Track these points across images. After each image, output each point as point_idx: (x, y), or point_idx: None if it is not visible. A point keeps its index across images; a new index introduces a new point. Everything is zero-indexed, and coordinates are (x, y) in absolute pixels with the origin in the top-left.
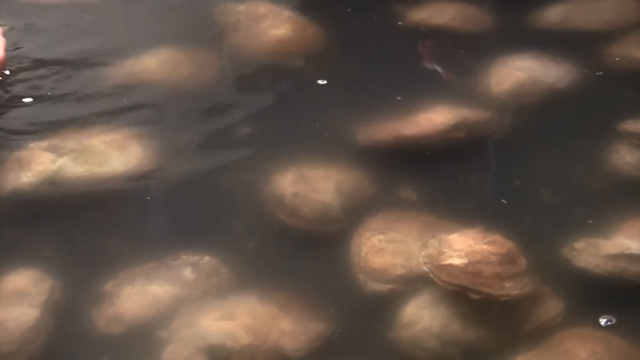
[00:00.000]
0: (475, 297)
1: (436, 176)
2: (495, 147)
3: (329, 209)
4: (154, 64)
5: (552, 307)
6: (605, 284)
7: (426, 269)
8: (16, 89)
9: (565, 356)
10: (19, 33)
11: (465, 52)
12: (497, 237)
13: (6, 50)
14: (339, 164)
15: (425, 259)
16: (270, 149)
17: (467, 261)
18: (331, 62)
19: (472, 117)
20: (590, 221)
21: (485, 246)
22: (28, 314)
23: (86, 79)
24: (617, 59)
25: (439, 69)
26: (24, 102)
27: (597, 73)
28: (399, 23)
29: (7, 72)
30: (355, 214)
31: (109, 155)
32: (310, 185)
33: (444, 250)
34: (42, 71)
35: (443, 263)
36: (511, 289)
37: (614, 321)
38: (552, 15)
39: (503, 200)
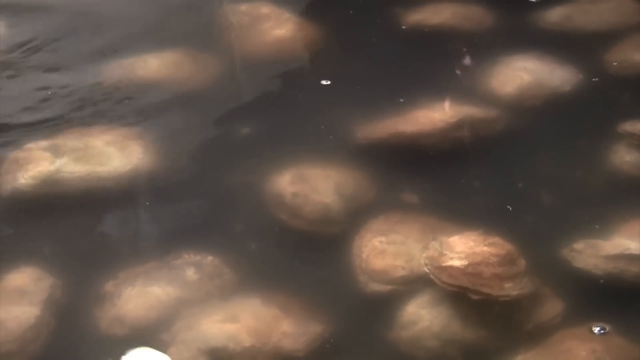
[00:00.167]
0: (475, 297)
1: (437, 178)
2: (497, 148)
3: (330, 210)
4: (155, 65)
5: (552, 307)
6: (605, 285)
7: (427, 270)
8: (15, 89)
9: (565, 356)
10: (21, 32)
11: (467, 51)
12: (497, 239)
13: None
14: (340, 164)
15: (426, 261)
16: (272, 149)
17: (467, 262)
18: (333, 63)
19: (474, 115)
20: (597, 226)
21: (485, 248)
22: (28, 313)
23: (87, 79)
24: (617, 60)
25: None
26: (22, 100)
27: (598, 75)
28: (400, 24)
29: None
30: (356, 215)
31: (109, 155)
32: (311, 185)
33: (445, 252)
34: (41, 70)
35: (444, 264)
36: (511, 289)
37: (607, 329)
38: (554, 16)
39: (508, 207)
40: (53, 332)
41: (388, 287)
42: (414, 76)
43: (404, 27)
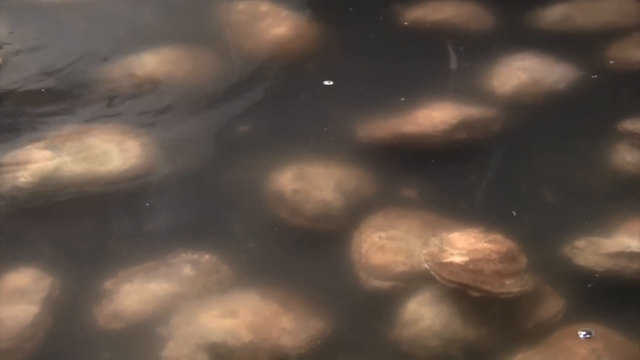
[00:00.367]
0: (476, 294)
1: (438, 175)
2: (497, 146)
3: (330, 206)
4: (154, 63)
5: (553, 305)
6: (605, 282)
7: (427, 267)
8: (15, 88)
9: (565, 354)
10: (19, 32)
11: (466, 50)
12: (498, 236)
13: None
14: (340, 162)
15: (427, 257)
16: (272, 147)
17: (468, 259)
18: (332, 61)
19: (474, 115)
20: (598, 229)
21: (486, 244)
22: (27, 311)
23: (86, 77)
24: (617, 59)
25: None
26: (23, 101)
27: (598, 73)
28: (401, 22)
29: None
30: (356, 211)
31: (108, 153)
32: (311, 182)
33: (446, 248)
34: (41, 70)
35: (444, 261)
36: (511, 286)
37: (593, 334)
38: (553, 15)
39: (513, 212)
40: (51, 330)
41: (388, 284)
42: (413, 74)
43: (406, 23)
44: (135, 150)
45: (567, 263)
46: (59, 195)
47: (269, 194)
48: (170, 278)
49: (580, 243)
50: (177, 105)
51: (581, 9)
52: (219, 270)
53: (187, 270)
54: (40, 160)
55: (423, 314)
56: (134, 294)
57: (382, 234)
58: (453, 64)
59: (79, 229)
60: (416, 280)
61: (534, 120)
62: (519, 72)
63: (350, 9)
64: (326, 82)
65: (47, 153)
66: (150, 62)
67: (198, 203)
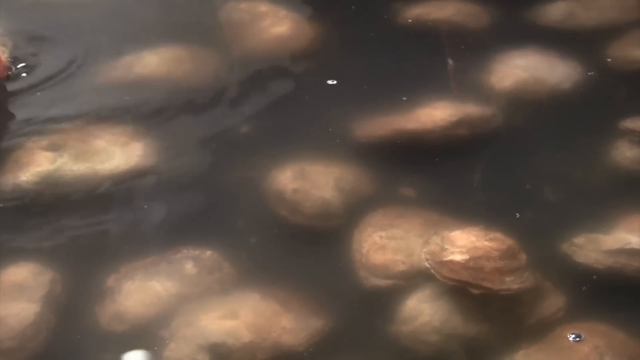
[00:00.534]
0: (476, 292)
1: (438, 173)
2: (497, 144)
3: (330, 205)
4: (155, 62)
5: (554, 301)
6: (606, 279)
7: (427, 265)
8: (16, 88)
9: (567, 351)
10: (20, 33)
11: (467, 48)
12: (498, 234)
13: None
14: (339, 160)
15: (427, 255)
16: (272, 146)
17: (468, 257)
18: (332, 60)
19: (474, 113)
20: (598, 223)
21: (487, 242)
22: (28, 310)
23: (86, 76)
24: (617, 57)
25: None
26: (23, 100)
27: (598, 71)
28: (401, 20)
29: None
30: (356, 210)
31: (109, 152)
32: (311, 181)
33: (446, 246)
34: (41, 69)
35: (445, 259)
36: (512, 283)
37: (582, 337)
38: (554, 12)
39: (517, 214)
40: (53, 329)
41: (388, 282)
42: (414, 73)
43: (410, 20)
44: (136, 149)
45: (567, 260)
46: (60, 193)
47: (270, 192)
48: (172, 276)
49: (580, 240)
50: (177, 104)
51: (582, 6)
52: (221, 268)
53: (189, 267)
54: (41, 159)
55: (422, 310)
56: (136, 293)
57: (383, 233)
58: (454, 61)
59: (79, 225)
60: (416, 278)
61: (534, 118)
62: (519, 70)
63: (353, 7)
64: (326, 80)
65: (48, 152)
66: (152, 61)
67: (199, 201)
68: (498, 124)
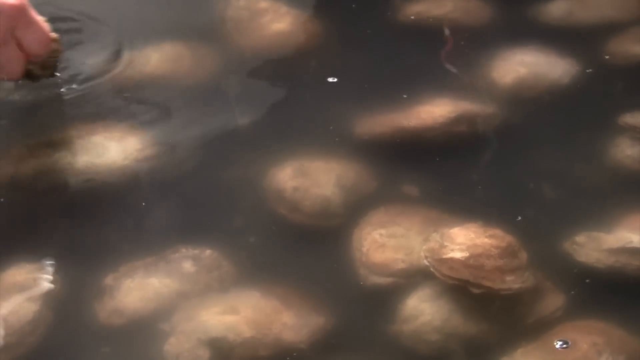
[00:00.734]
0: (477, 291)
1: (438, 170)
2: (497, 141)
3: (330, 203)
4: (154, 58)
5: (553, 300)
6: (606, 278)
7: (427, 263)
8: (14, 83)
9: (566, 349)
10: None
11: (467, 45)
12: (498, 231)
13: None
14: (340, 158)
15: (427, 253)
16: (272, 143)
17: (468, 255)
18: (333, 56)
19: (475, 110)
20: (587, 217)
21: (486, 239)
22: (26, 307)
23: (85, 73)
24: (617, 53)
25: (450, 63)
26: (23, 96)
27: (598, 68)
28: (402, 17)
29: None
30: (356, 208)
31: (108, 149)
32: (311, 179)
33: (446, 244)
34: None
35: (444, 257)
36: (512, 282)
37: (569, 343)
38: (555, 9)
39: (519, 217)
40: (51, 325)
41: (388, 280)
42: (415, 70)
43: (412, 17)
44: (136, 146)
45: (567, 259)
46: (59, 191)
47: (269, 190)
48: (170, 274)
49: (581, 238)
50: (177, 101)
51: (582, 3)
52: (220, 267)
53: (188, 266)
54: (39, 156)
55: (423, 309)
56: (135, 290)
57: (383, 231)
58: (454, 58)
59: (78, 223)
60: (416, 276)
61: (534, 114)
62: (520, 66)
63: (354, 4)
64: (327, 77)
65: (47, 149)
66: (152, 58)
67: (198, 199)
68: (499, 120)
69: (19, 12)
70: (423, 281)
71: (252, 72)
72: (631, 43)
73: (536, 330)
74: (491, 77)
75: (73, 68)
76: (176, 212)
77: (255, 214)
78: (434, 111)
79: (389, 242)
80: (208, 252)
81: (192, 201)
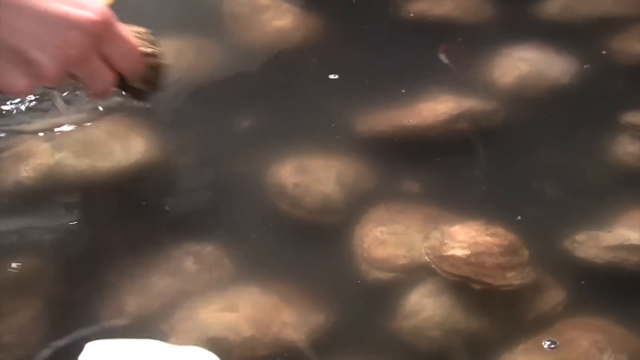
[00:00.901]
0: (477, 287)
1: (439, 168)
2: (498, 139)
3: (331, 199)
4: None
5: (554, 296)
6: (606, 275)
7: (428, 260)
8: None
9: (567, 346)
10: None
11: (468, 43)
12: (500, 229)
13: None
14: (341, 155)
15: (428, 250)
16: (273, 140)
17: (469, 252)
18: (334, 53)
19: (475, 107)
20: (588, 215)
21: (487, 238)
22: (28, 305)
23: None
24: (619, 51)
25: (449, 61)
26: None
27: (600, 65)
28: (403, 14)
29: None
30: (357, 205)
31: (110, 147)
32: (312, 175)
33: (447, 241)
34: None
35: (445, 254)
36: (513, 279)
37: (557, 344)
38: (555, 6)
39: (518, 217)
40: (53, 324)
41: (390, 275)
42: (416, 67)
43: (412, 14)
44: (137, 143)
45: (567, 255)
46: (60, 189)
47: (270, 186)
48: (172, 271)
49: (581, 236)
50: (179, 97)
51: (583, 0)
52: (221, 263)
53: (189, 263)
54: (41, 154)
55: (424, 306)
56: (137, 288)
57: (384, 228)
58: (455, 56)
59: (80, 221)
60: (417, 272)
61: (536, 112)
62: (521, 64)
63: (354, 1)
64: (328, 74)
65: (48, 148)
66: None
67: (199, 195)
68: (500, 118)
69: (102, 28)
70: (424, 277)
71: (253, 69)
72: (633, 41)
73: (537, 326)
74: (492, 75)
75: None
76: (178, 209)
77: (256, 210)
78: (436, 108)
79: (390, 238)
80: (209, 248)
81: (193, 197)
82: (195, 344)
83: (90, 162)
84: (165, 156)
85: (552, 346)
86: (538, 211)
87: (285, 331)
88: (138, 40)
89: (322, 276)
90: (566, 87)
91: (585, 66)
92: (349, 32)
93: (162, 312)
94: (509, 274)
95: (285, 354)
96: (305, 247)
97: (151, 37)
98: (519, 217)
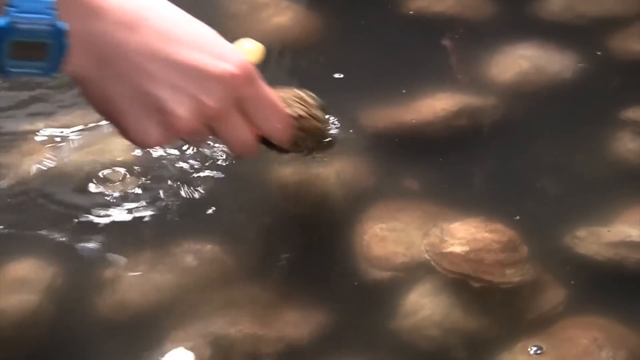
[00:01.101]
0: (477, 285)
1: (438, 165)
2: (498, 136)
3: (331, 197)
4: None
5: (554, 294)
6: (606, 272)
7: (427, 257)
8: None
9: (567, 344)
10: None
11: (468, 40)
12: (499, 226)
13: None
14: (341, 153)
15: (427, 247)
16: None
17: (468, 248)
18: (334, 51)
19: (475, 104)
20: (588, 212)
21: (487, 234)
22: (28, 301)
23: None
24: (619, 48)
25: (449, 58)
26: (24, 94)
27: (600, 62)
28: (404, 11)
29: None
30: (356, 202)
31: (111, 145)
32: (313, 173)
33: (446, 238)
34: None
35: (445, 251)
36: (512, 276)
37: (544, 349)
38: (555, 4)
39: (517, 217)
40: (53, 319)
41: (389, 273)
42: (416, 64)
43: (411, 12)
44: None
45: (568, 252)
46: (62, 186)
47: (271, 184)
48: (173, 269)
49: (581, 233)
50: None
51: None
52: (221, 261)
53: (190, 260)
54: (43, 152)
55: (424, 304)
56: (137, 285)
57: (384, 226)
58: (456, 53)
59: (81, 219)
60: (417, 271)
61: (535, 109)
62: (521, 61)
63: None
64: (327, 71)
65: (50, 146)
66: None
67: (199, 194)
68: (499, 115)
69: (242, 83)
70: (424, 275)
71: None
72: (633, 38)
73: (537, 324)
74: (492, 72)
75: None
76: (178, 207)
77: (256, 208)
78: (435, 105)
79: (390, 235)
80: (209, 246)
81: (193, 195)
82: (196, 340)
83: (91, 159)
84: (165, 155)
85: (539, 352)
86: (538, 208)
87: (287, 329)
88: (291, 102)
89: (323, 274)
90: (566, 84)
91: (580, 64)
92: (349, 29)
93: (163, 308)
94: (508, 271)
95: (288, 352)
96: (306, 244)
97: (313, 102)
98: (518, 216)
